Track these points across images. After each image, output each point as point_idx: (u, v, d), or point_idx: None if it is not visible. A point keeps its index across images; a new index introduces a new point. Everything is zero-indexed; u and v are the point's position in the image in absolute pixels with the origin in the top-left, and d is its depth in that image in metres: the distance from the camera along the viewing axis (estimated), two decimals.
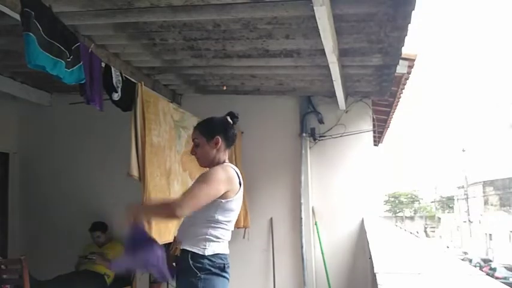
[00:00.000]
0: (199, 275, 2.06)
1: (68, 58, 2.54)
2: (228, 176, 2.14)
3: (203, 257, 2.08)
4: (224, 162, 2.24)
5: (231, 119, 2.29)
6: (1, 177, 4.89)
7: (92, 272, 4.22)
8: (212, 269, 2.09)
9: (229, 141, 2.28)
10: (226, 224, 2.17)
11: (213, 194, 2.07)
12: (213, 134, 2.22)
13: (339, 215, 4.66)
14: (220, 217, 2.14)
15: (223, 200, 2.12)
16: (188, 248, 2.11)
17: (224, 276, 2.14)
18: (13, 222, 4.89)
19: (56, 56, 2.41)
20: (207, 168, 2.24)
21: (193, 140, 2.29)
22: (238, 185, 2.21)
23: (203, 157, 2.25)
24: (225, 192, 2.12)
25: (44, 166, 4.97)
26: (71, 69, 2.58)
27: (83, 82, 2.74)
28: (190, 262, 2.08)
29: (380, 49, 3.24)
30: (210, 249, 2.11)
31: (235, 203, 2.22)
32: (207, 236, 2.11)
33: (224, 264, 2.15)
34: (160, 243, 3.31)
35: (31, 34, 2.19)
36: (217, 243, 2.14)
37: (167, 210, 2.04)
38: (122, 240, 4.69)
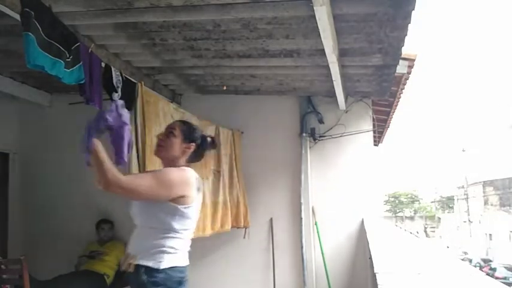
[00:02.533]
0: None
1: (68, 58, 2.54)
2: (182, 179, 2.03)
3: (158, 271, 1.94)
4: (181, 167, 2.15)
5: (211, 143, 2.32)
6: (1, 177, 4.89)
7: (91, 272, 4.22)
8: (168, 283, 1.96)
9: (197, 156, 2.23)
10: (183, 233, 2.06)
11: (157, 194, 1.96)
12: (192, 139, 2.18)
13: (339, 215, 4.66)
14: (177, 225, 2.01)
15: (179, 206, 2.00)
16: (142, 263, 1.95)
17: None
18: (13, 222, 4.88)
19: (55, 56, 2.41)
20: (161, 164, 2.22)
21: (169, 129, 2.19)
22: (197, 191, 2.10)
23: (168, 149, 2.13)
24: (182, 198, 2.00)
25: (44, 166, 4.97)
26: (70, 70, 2.58)
27: (82, 82, 2.74)
28: (145, 277, 1.93)
29: (380, 49, 3.24)
30: (167, 262, 1.97)
31: (193, 210, 2.09)
32: (163, 248, 1.98)
33: (182, 277, 2.04)
34: None
35: (31, 34, 2.19)
36: (175, 255, 2.02)
37: (106, 176, 1.85)
38: (123, 240, 4.71)
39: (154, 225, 2.02)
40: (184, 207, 2.02)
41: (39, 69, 2.31)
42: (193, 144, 2.18)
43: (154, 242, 1.99)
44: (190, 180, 2.06)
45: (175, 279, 2.00)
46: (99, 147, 1.88)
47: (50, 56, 2.35)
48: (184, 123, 2.28)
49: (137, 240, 2.07)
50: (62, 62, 2.47)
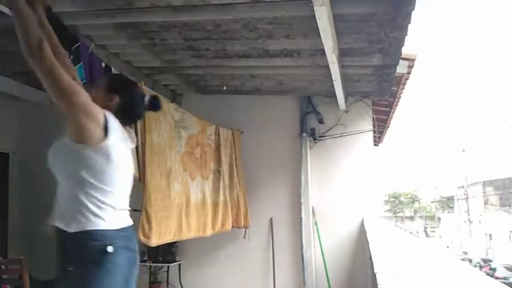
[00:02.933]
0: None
1: (68, 59, 2.53)
2: (101, 113, 1.72)
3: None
4: None
5: (148, 102, 1.95)
6: (1, 177, 4.89)
7: None
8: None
9: (126, 115, 1.87)
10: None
11: (76, 92, 1.67)
12: (115, 90, 1.87)
13: (339, 215, 4.66)
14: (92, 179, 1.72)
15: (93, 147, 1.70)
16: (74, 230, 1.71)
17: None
18: (13, 222, 4.88)
19: None
20: None
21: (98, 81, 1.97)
22: (105, 126, 1.72)
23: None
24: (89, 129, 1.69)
25: (44, 166, 4.95)
26: None
27: (84, 82, 2.74)
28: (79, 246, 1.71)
29: (380, 49, 3.24)
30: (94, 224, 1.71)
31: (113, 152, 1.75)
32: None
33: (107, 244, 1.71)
34: (160, 243, 3.34)
35: None
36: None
37: (36, 41, 1.65)
38: None
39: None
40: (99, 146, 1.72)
41: None
42: (116, 96, 1.84)
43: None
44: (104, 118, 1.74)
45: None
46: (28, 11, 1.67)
47: None
48: (118, 75, 2.05)
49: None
50: None
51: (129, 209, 1.90)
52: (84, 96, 1.71)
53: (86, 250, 1.71)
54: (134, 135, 1.98)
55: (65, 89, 1.68)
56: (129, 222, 1.89)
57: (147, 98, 1.95)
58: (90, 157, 1.72)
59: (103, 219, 1.73)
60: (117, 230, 1.77)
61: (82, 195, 1.73)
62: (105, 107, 1.79)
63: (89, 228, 1.71)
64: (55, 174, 1.83)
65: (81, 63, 2.70)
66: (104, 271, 1.70)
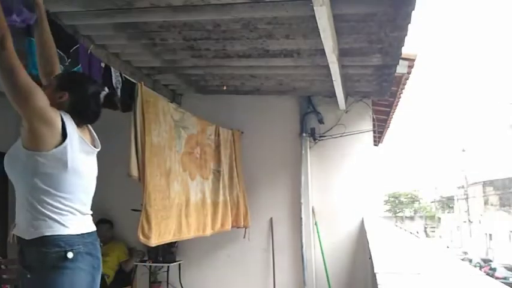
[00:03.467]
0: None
1: (66, 62, 2.52)
2: (58, 117, 1.68)
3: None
4: None
5: (107, 98, 1.87)
6: (1, 177, 4.88)
7: None
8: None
9: (80, 113, 1.80)
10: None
11: (33, 94, 1.63)
12: (64, 87, 1.80)
13: (339, 215, 4.66)
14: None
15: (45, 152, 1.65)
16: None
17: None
18: (13, 222, 4.88)
19: None
20: None
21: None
22: (61, 131, 1.68)
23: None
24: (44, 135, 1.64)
25: None
26: None
27: None
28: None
29: (380, 49, 3.24)
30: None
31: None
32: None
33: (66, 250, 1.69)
34: (160, 243, 3.34)
35: (33, 39, 2.13)
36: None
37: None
38: (123, 240, 4.71)
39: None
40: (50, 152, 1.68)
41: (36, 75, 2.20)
42: (66, 93, 1.77)
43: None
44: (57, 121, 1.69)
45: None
46: None
47: None
48: (72, 72, 1.99)
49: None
50: (61, 66, 2.45)
51: (91, 213, 1.87)
52: (40, 100, 1.65)
53: (45, 256, 1.67)
54: (97, 139, 1.92)
55: (20, 90, 1.62)
56: (93, 228, 1.85)
57: (102, 95, 1.86)
58: (44, 164, 1.68)
59: (62, 224, 1.70)
60: (78, 235, 1.74)
61: (38, 202, 1.69)
62: (58, 106, 1.73)
63: (47, 234, 1.67)
64: (12, 180, 1.80)
65: (79, 66, 2.69)
66: (64, 277, 1.67)
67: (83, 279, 1.72)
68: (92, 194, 1.88)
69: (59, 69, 2.05)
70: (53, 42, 2.04)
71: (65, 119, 1.71)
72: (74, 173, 1.74)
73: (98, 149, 1.90)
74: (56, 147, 1.67)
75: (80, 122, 1.80)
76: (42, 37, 2.01)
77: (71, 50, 2.61)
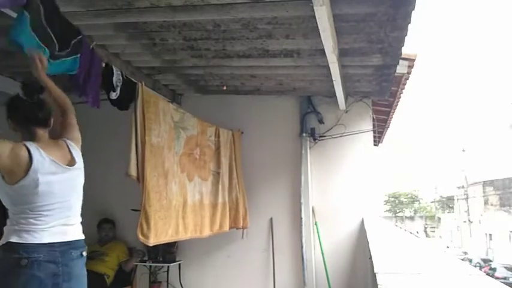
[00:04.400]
0: None
1: (58, 51, 2.46)
2: (15, 152, 1.86)
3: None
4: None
5: (24, 91, 2.02)
6: None
7: (91, 272, 4.21)
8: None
9: (27, 127, 2.02)
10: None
11: None
12: (8, 115, 2.05)
13: (339, 215, 4.66)
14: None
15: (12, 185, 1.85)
16: None
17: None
18: None
19: (43, 41, 2.29)
20: None
21: None
22: (29, 164, 1.86)
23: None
24: (10, 174, 1.84)
25: None
26: (59, 60, 2.49)
27: (73, 73, 2.69)
28: None
29: (380, 49, 3.24)
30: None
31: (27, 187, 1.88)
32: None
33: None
34: (158, 243, 3.34)
35: (26, 13, 2.12)
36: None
37: None
38: (124, 240, 4.71)
39: None
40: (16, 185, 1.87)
41: (17, 46, 2.16)
42: (9, 121, 2.05)
43: None
44: (20, 154, 1.89)
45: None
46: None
47: (36, 39, 2.23)
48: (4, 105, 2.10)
49: None
50: (47, 50, 2.34)
51: (78, 222, 2.05)
52: (2, 160, 1.82)
53: (3, 262, 1.81)
54: (76, 155, 2.10)
55: None
56: (64, 238, 1.96)
57: (21, 92, 2.01)
58: (16, 191, 1.85)
59: (27, 232, 1.84)
60: (41, 244, 1.84)
61: (10, 214, 1.89)
62: (20, 133, 1.98)
63: (10, 240, 1.82)
64: None
65: (78, 55, 2.63)
66: (18, 284, 1.78)
67: (38, 286, 1.82)
68: (76, 205, 2.06)
69: (72, 109, 2.26)
70: (62, 94, 2.24)
71: (31, 151, 1.89)
72: (43, 194, 1.90)
73: (75, 166, 2.06)
74: (25, 178, 1.85)
75: (36, 126, 2.00)
76: (51, 96, 2.18)
77: (73, 41, 2.58)
